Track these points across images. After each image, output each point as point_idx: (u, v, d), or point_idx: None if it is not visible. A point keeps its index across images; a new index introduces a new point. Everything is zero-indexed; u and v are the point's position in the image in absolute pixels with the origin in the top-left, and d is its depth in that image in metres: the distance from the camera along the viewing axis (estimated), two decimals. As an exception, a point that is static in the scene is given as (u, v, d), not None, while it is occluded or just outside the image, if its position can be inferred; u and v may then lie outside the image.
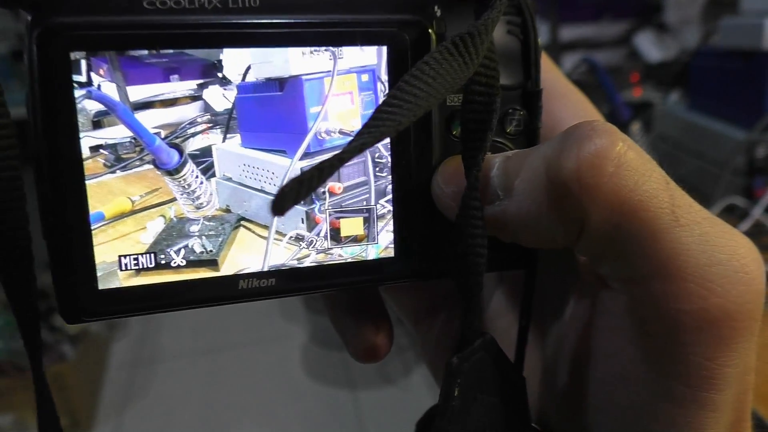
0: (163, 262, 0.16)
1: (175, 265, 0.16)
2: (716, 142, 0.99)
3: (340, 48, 0.19)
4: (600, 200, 0.17)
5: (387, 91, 0.21)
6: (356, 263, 0.22)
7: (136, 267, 0.19)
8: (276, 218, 0.16)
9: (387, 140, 0.20)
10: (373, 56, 0.16)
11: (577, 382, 0.21)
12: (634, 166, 0.17)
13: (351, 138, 0.14)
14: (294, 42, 0.19)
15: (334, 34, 0.20)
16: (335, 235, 0.19)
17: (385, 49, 0.20)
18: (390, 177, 0.21)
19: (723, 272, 0.16)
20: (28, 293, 0.18)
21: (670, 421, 0.18)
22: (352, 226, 0.20)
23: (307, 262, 0.21)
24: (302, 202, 0.16)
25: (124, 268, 0.19)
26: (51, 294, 0.19)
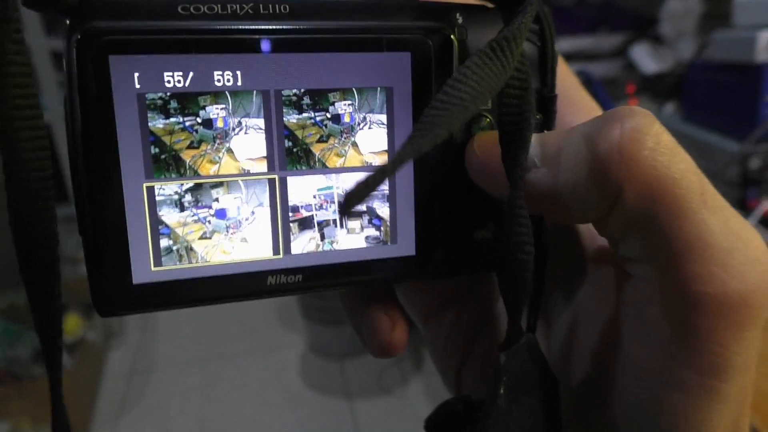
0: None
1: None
2: (710, 154, 1.00)
3: (363, 53, 0.21)
4: (638, 173, 0.17)
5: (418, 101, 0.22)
6: (380, 260, 0.22)
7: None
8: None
9: None
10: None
11: (585, 371, 0.22)
12: (669, 146, 0.17)
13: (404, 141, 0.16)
14: (323, 48, 0.20)
15: (361, 41, 0.21)
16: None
17: (407, 57, 0.21)
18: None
19: (742, 258, 0.17)
20: (53, 314, 0.18)
21: (677, 410, 0.18)
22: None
23: (331, 258, 0.22)
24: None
25: (158, 264, 0.20)
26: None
